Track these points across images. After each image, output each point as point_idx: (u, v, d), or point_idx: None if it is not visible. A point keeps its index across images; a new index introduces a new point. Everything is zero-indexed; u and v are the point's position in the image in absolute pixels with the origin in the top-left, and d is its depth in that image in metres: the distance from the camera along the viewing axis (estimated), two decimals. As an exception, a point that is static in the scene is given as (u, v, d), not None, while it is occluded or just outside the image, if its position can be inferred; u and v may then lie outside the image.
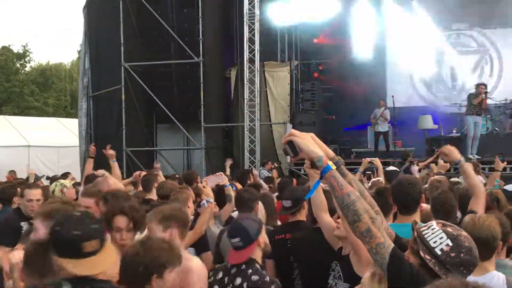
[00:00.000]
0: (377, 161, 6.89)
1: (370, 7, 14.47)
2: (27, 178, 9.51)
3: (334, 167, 2.15)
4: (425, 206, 4.09)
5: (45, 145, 17.02)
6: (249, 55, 12.54)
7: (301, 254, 3.75)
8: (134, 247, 2.41)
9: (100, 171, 5.76)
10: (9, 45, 35.40)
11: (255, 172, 8.77)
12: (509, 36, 14.88)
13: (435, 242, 2.01)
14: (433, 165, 8.36)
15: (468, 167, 3.73)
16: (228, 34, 14.81)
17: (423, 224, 2.15)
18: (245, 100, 12.65)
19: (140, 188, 6.12)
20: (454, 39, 15.41)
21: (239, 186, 6.22)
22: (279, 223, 4.84)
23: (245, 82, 12.64)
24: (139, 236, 3.25)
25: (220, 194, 4.96)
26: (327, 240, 3.38)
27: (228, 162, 10.29)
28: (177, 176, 9.51)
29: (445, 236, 2.01)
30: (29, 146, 16.59)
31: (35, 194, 4.66)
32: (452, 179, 6.12)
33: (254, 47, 12.44)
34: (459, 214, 3.88)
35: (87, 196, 4.18)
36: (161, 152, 14.64)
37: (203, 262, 4.20)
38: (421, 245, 2.04)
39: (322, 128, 14.76)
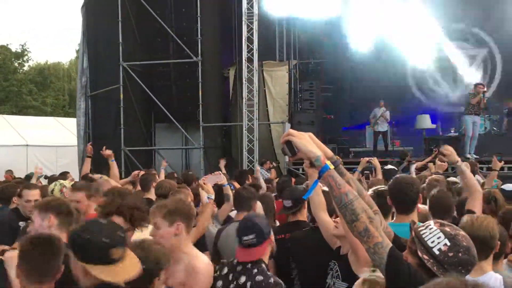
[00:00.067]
0: (375, 161, 6.91)
1: (369, 5, 14.47)
2: (26, 177, 9.50)
3: (332, 166, 2.15)
4: (422, 207, 4.09)
5: (43, 144, 17.00)
6: (247, 55, 12.54)
7: (299, 254, 3.75)
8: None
9: (97, 175, 5.77)
10: (7, 44, 35.38)
11: (258, 174, 8.76)
12: (508, 35, 14.87)
13: (433, 242, 2.00)
14: (431, 164, 8.38)
15: (465, 168, 3.75)
16: (226, 33, 14.81)
17: (421, 224, 2.15)
18: (244, 100, 12.65)
19: (139, 188, 6.12)
20: (453, 38, 15.41)
21: (237, 185, 6.22)
22: (277, 223, 4.84)
23: (244, 81, 12.64)
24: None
25: (218, 194, 4.96)
26: (325, 240, 3.38)
27: (222, 163, 10.27)
28: (175, 175, 9.53)
29: (443, 236, 2.01)
30: (27, 145, 16.57)
31: (34, 194, 4.66)
32: (450, 179, 6.14)
33: (253, 46, 12.44)
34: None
35: (77, 190, 4.20)
36: (159, 151, 14.63)
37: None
38: (419, 245, 2.03)
39: (320, 127, 14.77)
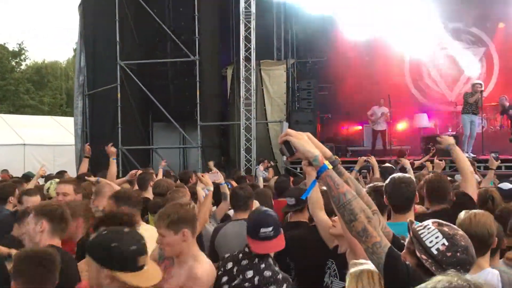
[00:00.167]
0: (372, 160, 6.91)
1: (367, 3, 14.47)
2: (24, 176, 9.47)
3: (330, 166, 2.15)
4: (418, 207, 4.10)
5: (40, 143, 16.98)
6: (245, 54, 12.54)
7: (297, 253, 3.75)
8: None
9: (93, 178, 5.77)
10: (5, 43, 35.31)
11: (260, 179, 8.76)
12: (505, 34, 14.90)
13: (431, 241, 2.00)
14: (428, 163, 8.39)
15: (459, 151, 3.76)
16: (224, 32, 14.81)
17: (419, 224, 2.15)
18: (241, 99, 12.64)
19: (136, 187, 6.12)
20: (451, 37, 15.42)
21: (235, 184, 6.22)
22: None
23: (241, 80, 12.64)
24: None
25: (216, 193, 4.96)
26: (323, 239, 3.38)
27: (211, 164, 10.24)
28: (172, 174, 9.52)
29: (441, 236, 2.01)
30: (24, 144, 16.54)
31: (34, 201, 4.57)
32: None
33: (250, 45, 12.43)
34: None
35: (65, 183, 4.27)
36: (157, 150, 14.62)
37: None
38: (417, 245, 2.03)
39: (318, 126, 14.78)
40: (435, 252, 1.98)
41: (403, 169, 7.29)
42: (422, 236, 2.04)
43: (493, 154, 7.44)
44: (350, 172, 5.19)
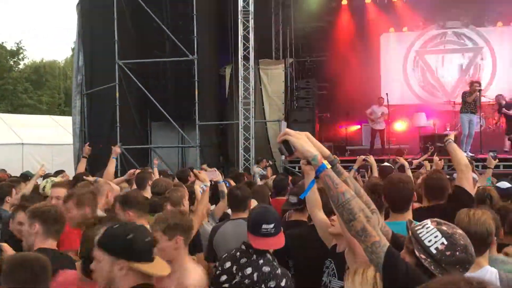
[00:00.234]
0: (371, 159, 6.90)
1: (364, 4, 14.50)
2: (22, 176, 9.45)
3: (329, 166, 2.15)
4: (416, 205, 4.10)
5: (38, 143, 16.95)
6: (243, 53, 12.53)
7: (296, 252, 3.75)
8: None
9: (92, 178, 5.76)
10: (3, 43, 35.24)
11: (256, 177, 8.76)
12: (503, 33, 14.94)
13: (430, 241, 2.00)
14: (426, 162, 8.40)
15: (455, 146, 3.77)
16: (222, 32, 14.78)
17: (418, 223, 2.15)
18: (240, 98, 12.63)
19: (134, 186, 6.11)
20: (448, 36, 15.45)
21: (232, 183, 6.22)
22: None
23: (240, 79, 12.63)
24: None
25: (214, 191, 4.97)
26: (321, 238, 3.38)
27: (204, 166, 10.23)
28: (169, 173, 9.51)
29: (440, 235, 2.01)
30: (22, 144, 16.52)
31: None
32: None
33: (249, 44, 12.42)
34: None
35: (59, 186, 4.27)
36: (155, 150, 14.61)
37: (197, 262, 4.22)
38: (416, 244, 2.03)
39: (317, 125, 14.79)
40: (434, 252, 1.98)
41: (402, 168, 7.31)
42: (421, 235, 2.04)
43: (491, 153, 7.44)
44: (348, 171, 5.20)
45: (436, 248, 1.98)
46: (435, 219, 2.13)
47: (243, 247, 3.08)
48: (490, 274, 2.71)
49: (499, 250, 3.20)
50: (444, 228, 2.04)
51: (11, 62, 35.75)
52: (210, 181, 4.96)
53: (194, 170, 4.94)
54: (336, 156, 2.47)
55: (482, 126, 13.24)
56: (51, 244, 3.16)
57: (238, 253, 3.06)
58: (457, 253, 1.98)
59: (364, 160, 7.04)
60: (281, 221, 4.63)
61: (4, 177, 9.88)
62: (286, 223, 4.18)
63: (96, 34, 13.97)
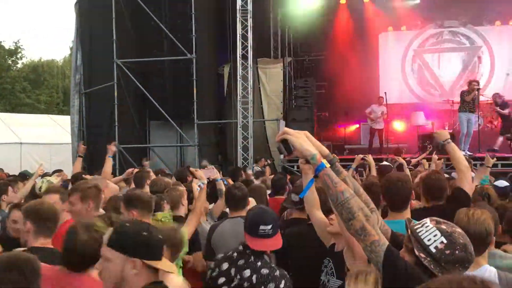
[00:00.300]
0: (369, 158, 6.91)
1: (363, 3, 14.50)
2: (20, 175, 9.44)
3: (328, 165, 2.15)
4: (414, 202, 4.11)
5: (37, 142, 16.93)
6: (242, 52, 12.52)
7: (294, 250, 3.75)
8: None
9: (90, 177, 5.76)
10: (1, 42, 35.19)
11: (249, 172, 8.79)
12: (501, 33, 14.95)
13: (429, 240, 2.00)
14: (424, 161, 8.41)
15: (454, 146, 3.76)
16: (221, 31, 14.78)
17: (417, 222, 2.15)
18: (238, 97, 12.63)
19: (133, 185, 6.10)
20: (446, 36, 15.46)
21: (230, 182, 6.22)
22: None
23: (238, 78, 12.62)
24: None
25: (212, 190, 4.97)
26: (319, 237, 3.38)
27: (204, 163, 10.23)
28: (167, 171, 9.50)
29: (439, 234, 2.00)
30: (21, 143, 16.50)
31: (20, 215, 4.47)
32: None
33: (247, 43, 12.42)
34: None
35: (51, 192, 4.21)
36: (154, 149, 14.60)
37: (195, 261, 4.22)
38: (415, 243, 2.03)
39: (315, 124, 14.79)
40: (434, 250, 1.98)
41: (400, 167, 7.32)
42: (420, 234, 2.04)
43: (490, 154, 7.46)
44: (347, 170, 5.20)
45: (436, 247, 1.98)
46: (434, 218, 2.12)
47: (241, 247, 3.06)
48: (489, 273, 2.71)
49: (497, 248, 3.20)
50: (443, 227, 2.04)
51: (9, 61, 35.68)
52: (208, 179, 4.96)
53: (191, 169, 4.94)
54: (335, 155, 2.46)
55: (480, 125, 13.27)
56: (42, 243, 3.15)
57: (235, 254, 3.04)
58: (457, 252, 1.98)
59: (362, 159, 7.05)
60: (280, 219, 4.66)
61: (2, 176, 9.88)
62: (286, 221, 4.17)
63: (94, 33, 13.95)
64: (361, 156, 7.11)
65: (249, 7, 12.33)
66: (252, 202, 4.55)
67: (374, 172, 6.71)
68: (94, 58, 13.91)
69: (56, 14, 76.58)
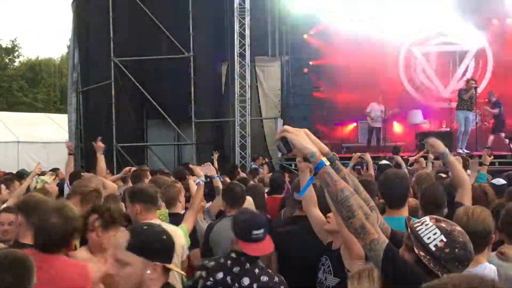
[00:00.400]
0: (367, 156, 6.91)
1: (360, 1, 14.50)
2: (17, 174, 9.43)
3: (327, 163, 2.14)
4: (410, 200, 4.11)
5: (34, 141, 16.90)
6: (239, 50, 12.52)
7: (292, 248, 3.75)
8: None
9: (88, 174, 5.74)
10: (-2, 40, 35.08)
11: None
12: (500, 31, 14.94)
13: (429, 238, 1.99)
14: (421, 159, 8.42)
15: (453, 159, 3.75)
16: (218, 29, 14.76)
17: (417, 220, 2.15)
18: (236, 95, 12.63)
19: (130, 184, 6.10)
20: (444, 34, 15.45)
21: (228, 180, 6.22)
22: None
23: (236, 77, 12.63)
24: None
25: (210, 188, 4.96)
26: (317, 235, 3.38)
27: (215, 155, 10.20)
28: (166, 171, 9.49)
29: (439, 232, 2.00)
30: (18, 142, 16.47)
31: (7, 217, 4.04)
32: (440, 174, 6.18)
33: (245, 42, 12.42)
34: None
35: (8, 211, 3.92)
36: (151, 147, 14.59)
37: (193, 258, 4.22)
38: (415, 241, 2.02)
39: (313, 123, 14.78)
40: (433, 249, 1.97)
41: (398, 165, 7.34)
42: (420, 232, 2.03)
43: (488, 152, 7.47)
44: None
45: (435, 245, 1.97)
46: (434, 216, 2.12)
47: (233, 255, 3.01)
48: (489, 270, 2.71)
49: (493, 247, 3.20)
50: (443, 225, 2.04)
51: (6, 60, 35.59)
52: (205, 176, 4.96)
53: (190, 166, 4.94)
54: (335, 153, 2.45)
55: (477, 123, 13.28)
56: (31, 236, 3.08)
57: (229, 262, 2.98)
58: (456, 250, 1.97)
59: (360, 157, 7.05)
60: (280, 218, 4.67)
61: (0, 175, 9.87)
62: (292, 218, 4.10)
63: (92, 31, 13.94)
64: (359, 154, 7.12)
65: (247, 5, 12.34)
66: (249, 200, 4.54)
67: (371, 171, 6.72)
68: (91, 56, 13.90)
69: (53, 12, 76.36)
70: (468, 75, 14.15)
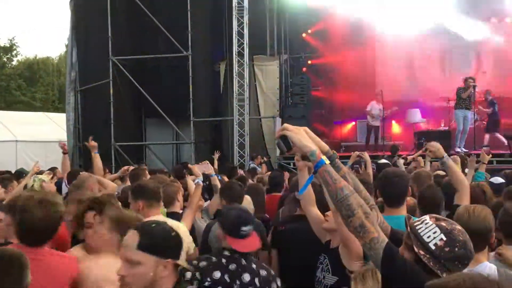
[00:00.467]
0: (365, 155, 6.91)
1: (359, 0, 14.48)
2: (16, 173, 9.41)
3: (327, 161, 2.13)
4: (408, 199, 4.11)
5: (32, 140, 16.87)
6: (238, 49, 12.51)
7: (291, 246, 3.75)
8: None
9: (86, 173, 5.71)
10: (-4, 39, 35.02)
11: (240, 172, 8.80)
12: (499, 30, 14.95)
13: (429, 237, 1.99)
14: (420, 158, 8.41)
15: (452, 163, 3.76)
16: (217, 28, 14.75)
17: (417, 219, 2.14)
18: (234, 94, 12.63)
19: (128, 183, 6.08)
20: (443, 33, 15.45)
21: (226, 179, 6.21)
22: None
23: (234, 76, 12.62)
24: None
25: (208, 187, 4.96)
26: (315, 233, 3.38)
27: (216, 155, 10.21)
28: (165, 171, 9.50)
29: (438, 231, 2.00)
30: (16, 141, 16.43)
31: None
32: (437, 172, 6.18)
33: (243, 40, 12.41)
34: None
35: None
36: (150, 146, 14.58)
37: (191, 257, 4.21)
38: (415, 240, 2.02)
39: (311, 122, 14.78)
40: (433, 248, 1.97)
41: (396, 164, 7.33)
42: (419, 231, 2.03)
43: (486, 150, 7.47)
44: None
45: (435, 244, 1.97)
46: (434, 215, 2.12)
47: (227, 252, 2.99)
48: (488, 269, 2.71)
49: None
50: (443, 224, 2.03)
51: (4, 59, 35.51)
52: (203, 174, 4.95)
53: (189, 165, 4.93)
54: (335, 151, 2.45)
55: (476, 122, 13.29)
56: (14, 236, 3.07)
57: (223, 260, 2.95)
58: (456, 249, 1.97)
59: (358, 156, 7.05)
60: (280, 216, 4.66)
61: (-3, 174, 9.84)
62: (292, 217, 4.10)
63: (90, 30, 13.91)
64: (358, 153, 7.12)
65: (245, 4, 12.33)
66: (247, 199, 4.54)
67: (369, 170, 6.72)
68: (90, 55, 13.88)
69: (51, 11, 76.23)
70: (467, 74, 14.15)
